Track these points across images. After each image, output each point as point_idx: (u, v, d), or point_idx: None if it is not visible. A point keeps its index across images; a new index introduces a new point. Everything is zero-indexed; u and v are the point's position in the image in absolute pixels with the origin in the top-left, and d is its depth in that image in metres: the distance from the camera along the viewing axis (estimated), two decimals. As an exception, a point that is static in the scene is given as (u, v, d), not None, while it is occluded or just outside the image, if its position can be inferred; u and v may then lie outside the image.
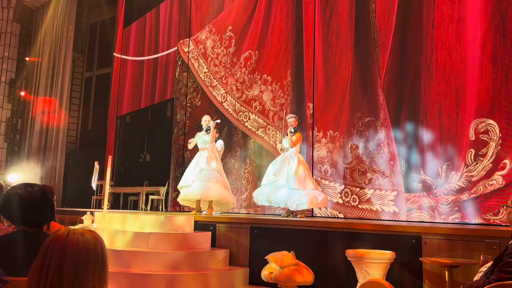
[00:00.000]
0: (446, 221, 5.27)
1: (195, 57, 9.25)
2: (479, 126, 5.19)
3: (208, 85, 8.83)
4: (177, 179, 7.71)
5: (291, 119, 6.13)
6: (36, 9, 14.12)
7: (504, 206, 2.57)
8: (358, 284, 3.65)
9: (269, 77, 7.72)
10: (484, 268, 2.67)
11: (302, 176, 5.80)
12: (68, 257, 1.22)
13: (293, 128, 6.07)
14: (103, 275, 1.27)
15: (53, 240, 1.25)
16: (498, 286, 2.19)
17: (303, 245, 4.61)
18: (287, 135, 6.10)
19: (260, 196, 6.07)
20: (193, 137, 6.64)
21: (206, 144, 6.37)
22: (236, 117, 8.12)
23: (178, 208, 8.63)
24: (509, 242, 2.47)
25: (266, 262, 4.22)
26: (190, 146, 6.66)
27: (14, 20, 13.72)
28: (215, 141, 6.60)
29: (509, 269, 2.28)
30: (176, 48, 9.86)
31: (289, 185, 5.77)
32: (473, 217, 5.11)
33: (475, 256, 3.62)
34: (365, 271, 3.75)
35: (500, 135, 5.02)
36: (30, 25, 14.15)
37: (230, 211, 6.97)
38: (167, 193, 9.21)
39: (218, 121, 6.53)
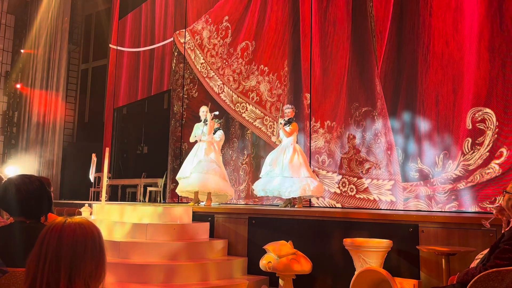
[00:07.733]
0: (443, 210, 5.30)
1: (192, 48, 9.20)
2: (476, 115, 5.20)
3: (204, 76, 8.80)
4: (175, 171, 7.71)
5: (288, 109, 6.16)
6: (31, 0, 13.98)
7: (504, 192, 2.56)
8: (356, 273, 3.67)
9: (266, 68, 7.69)
10: (480, 255, 2.69)
11: (296, 164, 5.82)
12: (66, 244, 1.22)
13: (289, 118, 6.09)
14: (101, 262, 1.27)
15: (50, 228, 1.26)
16: (494, 273, 2.20)
17: (301, 234, 4.63)
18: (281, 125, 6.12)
19: (258, 187, 6.13)
20: (192, 129, 6.62)
21: (204, 135, 6.36)
22: (233, 108, 8.10)
23: (176, 199, 8.64)
24: (505, 229, 2.48)
25: (264, 252, 4.24)
26: (191, 140, 6.62)
27: (8, 12, 13.57)
28: (215, 132, 6.58)
29: (505, 256, 2.30)
30: (172, 39, 9.80)
31: (283, 173, 5.81)
32: (470, 206, 5.13)
33: (472, 244, 3.65)
34: (362, 259, 3.78)
35: (497, 124, 5.03)
36: (25, 16, 14.00)
37: (228, 202, 6.98)
38: (165, 184, 9.22)
39: (217, 113, 6.54)
